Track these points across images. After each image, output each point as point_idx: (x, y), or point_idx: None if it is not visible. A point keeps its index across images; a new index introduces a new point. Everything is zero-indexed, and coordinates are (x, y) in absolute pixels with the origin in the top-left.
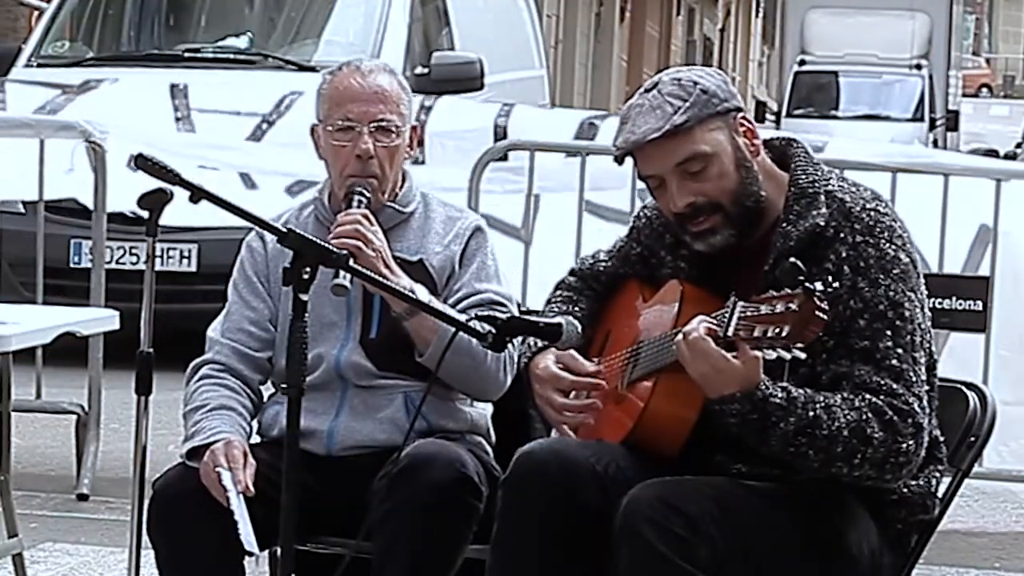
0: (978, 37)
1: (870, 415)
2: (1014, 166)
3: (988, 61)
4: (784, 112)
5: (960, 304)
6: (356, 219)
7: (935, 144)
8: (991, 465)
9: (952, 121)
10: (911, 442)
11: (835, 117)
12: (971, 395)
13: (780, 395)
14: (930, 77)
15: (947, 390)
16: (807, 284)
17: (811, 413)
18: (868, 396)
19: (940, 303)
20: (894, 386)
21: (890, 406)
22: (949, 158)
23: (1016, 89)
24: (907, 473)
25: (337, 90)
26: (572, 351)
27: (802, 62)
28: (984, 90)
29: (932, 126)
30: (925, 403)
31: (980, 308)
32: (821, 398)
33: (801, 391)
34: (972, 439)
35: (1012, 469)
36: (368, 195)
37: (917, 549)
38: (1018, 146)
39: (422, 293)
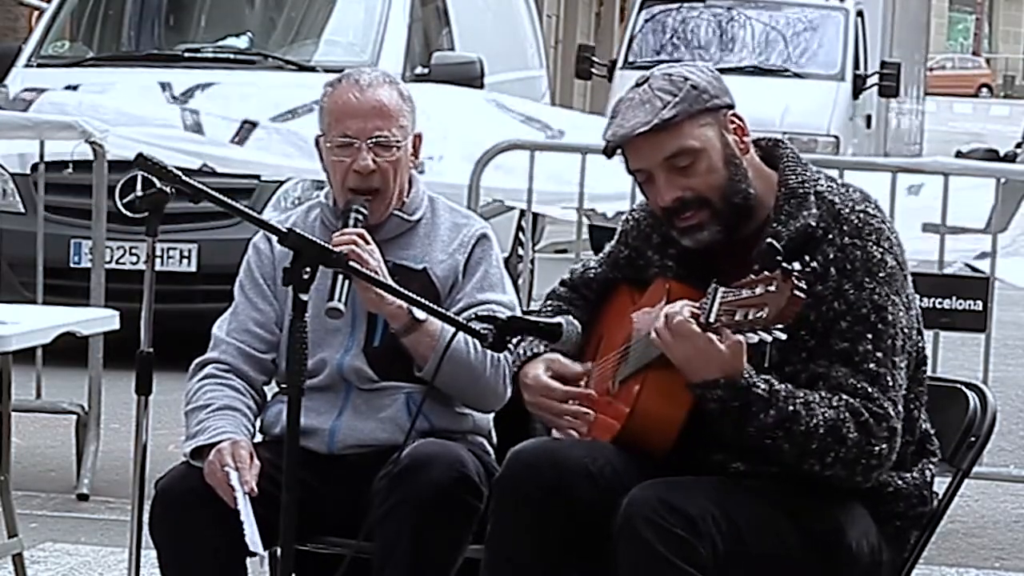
0: (978, 37)
1: (847, 415)
2: (1014, 166)
3: (988, 61)
4: (621, 61)
5: (960, 304)
6: (352, 239)
7: (868, 123)
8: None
9: (892, 81)
10: (884, 446)
11: None
12: (971, 395)
13: (763, 386)
14: (859, 14)
15: (947, 390)
16: (784, 264)
17: (791, 407)
18: (846, 397)
19: (940, 303)
20: (870, 389)
21: (866, 408)
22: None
23: (1016, 89)
24: (876, 476)
25: (336, 105)
26: (560, 358)
27: None
28: (984, 90)
29: (858, 88)
30: (900, 408)
31: (980, 308)
32: (801, 394)
33: (783, 385)
34: (972, 439)
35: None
36: (364, 212)
37: (918, 546)
38: (1018, 146)
39: (419, 314)
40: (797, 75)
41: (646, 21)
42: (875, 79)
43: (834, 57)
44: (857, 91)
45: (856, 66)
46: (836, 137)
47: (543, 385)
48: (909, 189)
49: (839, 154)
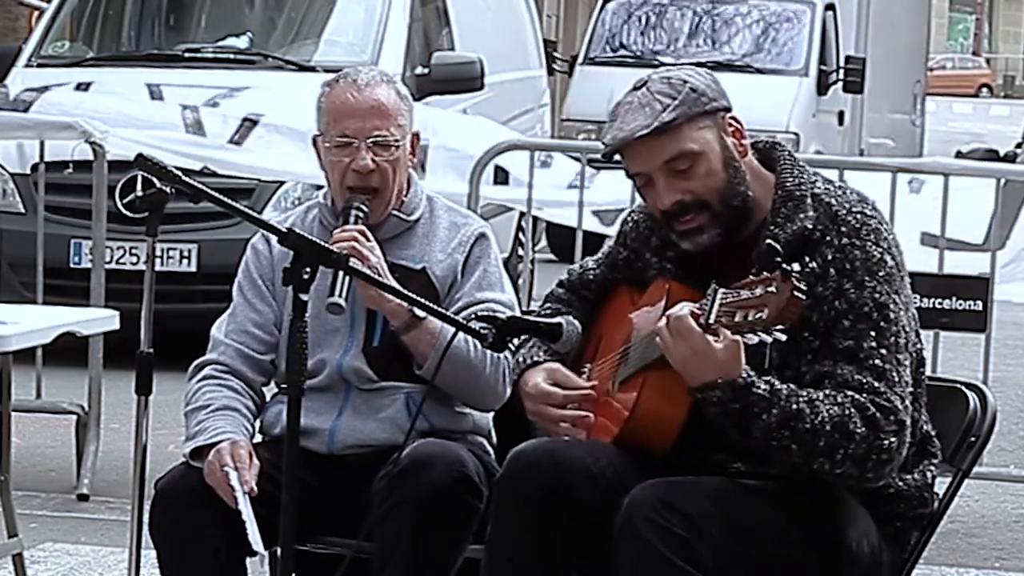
0: (978, 37)
1: (853, 411)
2: (1014, 166)
3: (988, 61)
4: (582, 57)
5: (960, 304)
6: (352, 235)
7: (841, 121)
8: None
9: (856, 76)
10: (893, 439)
11: (660, 65)
12: (971, 395)
13: (763, 386)
14: (829, 6)
15: (947, 390)
16: (784, 265)
17: (794, 406)
18: (850, 393)
19: (940, 303)
20: (876, 384)
21: (872, 403)
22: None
23: (1016, 89)
24: (888, 472)
25: (334, 105)
26: (561, 367)
27: None
28: (984, 90)
29: (823, 85)
30: (908, 403)
31: (980, 308)
32: (804, 393)
33: (785, 385)
34: (972, 439)
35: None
36: (365, 210)
37: (918, 547)
38: (1018, 146)
39: (419, 311)
40: (759, 71)
41: (608, 17)
42: (849, 76)
43: (798, 52)
44: (823, 87)
45: (825, 62)
46: (796, 134)
47: (543, 392)
48: (910, 184)
49: (798, 151)
